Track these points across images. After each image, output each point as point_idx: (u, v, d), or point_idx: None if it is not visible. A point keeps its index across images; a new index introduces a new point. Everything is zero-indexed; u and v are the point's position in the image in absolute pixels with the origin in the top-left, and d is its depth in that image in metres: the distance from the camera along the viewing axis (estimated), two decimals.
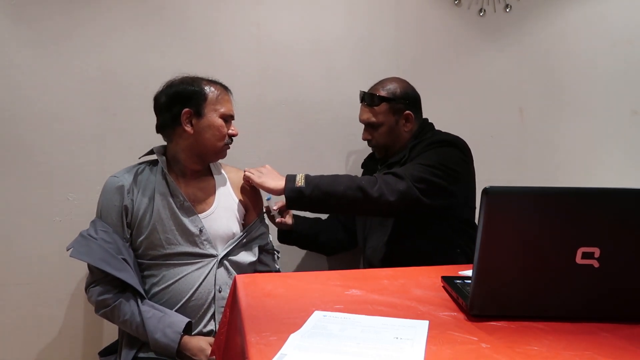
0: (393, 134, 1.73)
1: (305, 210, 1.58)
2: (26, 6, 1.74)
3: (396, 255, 1.65)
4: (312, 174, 1.56)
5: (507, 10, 2.13)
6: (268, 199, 1.65)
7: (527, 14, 2.15)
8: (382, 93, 1.72)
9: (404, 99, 1.72)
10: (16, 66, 1.74)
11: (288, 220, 1.72)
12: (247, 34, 1.93)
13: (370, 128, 1.75)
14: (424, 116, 1.83)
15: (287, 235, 1.77)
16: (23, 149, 1.76)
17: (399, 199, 1.48)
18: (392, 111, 1.72)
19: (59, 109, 1.78)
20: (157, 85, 1.52)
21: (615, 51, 2.21)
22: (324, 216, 1.90)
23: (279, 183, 1.51)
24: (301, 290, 1.10)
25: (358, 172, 1.95)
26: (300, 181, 1.48)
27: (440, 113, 2.06)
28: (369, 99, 1.73)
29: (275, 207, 1.67)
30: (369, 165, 1.90)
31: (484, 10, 2.11)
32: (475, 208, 1.76)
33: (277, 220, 1.70)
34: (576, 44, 2.19)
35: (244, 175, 1.57)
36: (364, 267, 1.86)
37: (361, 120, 1.77)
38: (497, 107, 2.16)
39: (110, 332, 1.82)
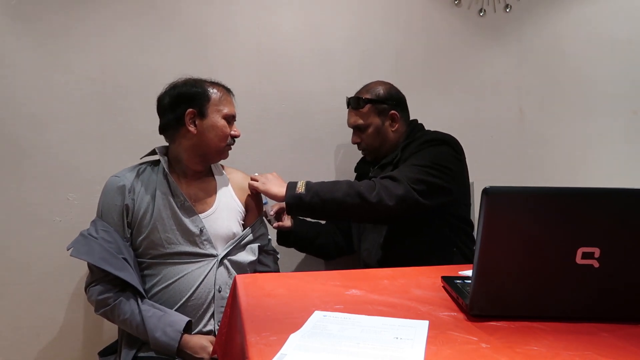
0: (381, 135, 1.74)
1: (305, 216, 1.60)
2: (26, 6, 1.74)
3: (392, 256, 1.64)
4: (312, 172, 1.57)
5: (507, 10, 2.13)
6: (265, 204, 1.65)
7: (527, 14, 2.15)
8: (366, 95, 1.74)
9: (388, 100, 1.73)
10: (16, 66, 1.74)
11: (287, 222, 1.73)
12: (248, 34, 1.93)
13: (358, 131, 1.77)
14: (425, 116, 1.83)
15: (285, 237, 1.77)
16: (23, 149, 1.76)
17: (398, 203, 1.48)
18: (377, 112, 1.73)
19: (59, 109, 1.78)
20: (157, 86, 1.52)
21: (615, 51, 2.21)
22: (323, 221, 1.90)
23: (282, 189, 1.52)
24: (301, 290, 1.10)
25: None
26: (300, 187, 1.50)
27: (440, 113, 2.07)
28: (354, 102, 1.75)
29: (272, 212, 1.67)
30: (361, 168, 1.90)
31: (484, 10, 2.12)
32: (470, 205, 1.76)
33: (274, 225, 1.70)
34: (576, 44, 2.19)
35: (249, 183, 1.58)
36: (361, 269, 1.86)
37: (349, 125, 1.79)
38: (497, 107, 2.16)
39: (110, 332, 1.82)
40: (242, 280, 1.16)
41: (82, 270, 1.69)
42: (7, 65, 1.73)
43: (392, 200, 1.47)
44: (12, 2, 1.73)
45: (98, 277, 1.42)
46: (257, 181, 1.57)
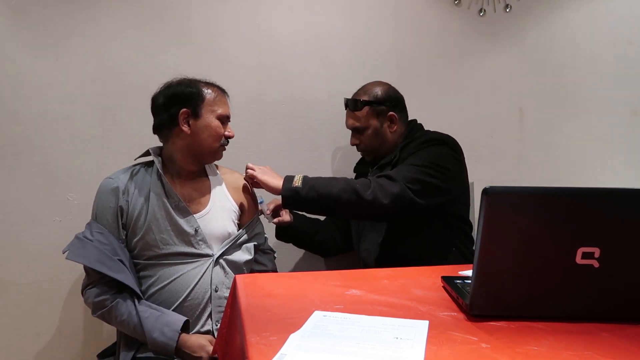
0: (379, 136, 1.74)
1: (300, 210, 1.60)
2: (26, 6, 1.74)
3: (391, 256, 1.64)
4: (311, 173, 1.57)
5: (507, 10, 2.13)
6: (261, 202, 1.65)
7: (527, 14, 2.15)
8: (364, 97, 1.74)
9: (386, 101, 1.73)
10: (16, 66, 1.74)
11: (285, 217, 1.72)
12: (247, 34, 1.93)
13: (356, 133, 1.77)
14: (425, 116, 1.83)
15: (285, 231, 1.77)
16: (23, 149, 1.76)
17: (393, 202, 1.48)
18: (376, 114, 1.73)
19: (59, 109, 1.78)
20: (157, 86, 1.52)
21: (615, 51, 2.21)
22: (322, 217, 1.90)
23: (278, 182, 1.52)
24: (301, 290, 1.10)
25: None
26: (297, 181, 1.50)
27: (440, 113, 2.07)
28: (352, 104, 1.75)
29: (268, 212, 1.67)
30: (360, 168, 1.90)
31: (484, 10, 2.12)
32: (469, 205, 1.76)
33: (274, 220, 1.70)
34: (576, 44, 2.19)
35: (247, 170, 1.57)
36: (360, 268, 1.85)
37: (347, 127, 1.79)
38: (497, 107, 2.16)
39: (109, 333, 1.82)
40: (242, 280, 1.15)
41: (81, 270, 1.69)
42: (7, 65, 1.73)
43: (387, 198, 1.47)
44: (12, 2, 1.73)
45: (94, 279, 1.42)
46: (253, 170, 1.56)
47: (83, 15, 1.79)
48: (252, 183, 1.61)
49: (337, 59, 2.01)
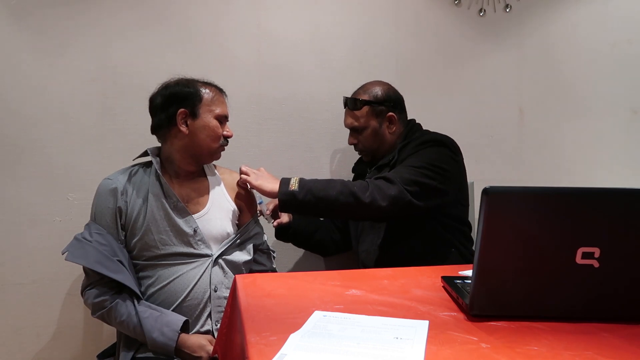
0: (378, 136, 1.73)
1: (298, 213, 1.59)
2: (26, 6, 1.74)
3: (390, 257, 1.64)
4: (310, 173, 1.57)
5: (507, 10, 2.13)
6: (260, 203, 1.65)
7: (527, 14, 2.15)
8: (364, 97, 1.73)
9: (386, 101, 1.72)
10: (16, 66, 1.74)
11: (284, 218, 1.72)
12: (248, 34, 1.93)
13: (355, 132, 1.76)
14: (425, 116, 1.83)
15: (284, 232, 1.77)
16: (23, 148, 1.76)
17: (391, 204, 1.47)
18: (375, 114, 1.72)
19: (59, 109, 1.78)
20: (157, 85, 1.52)
21: (615, 51, 2.21)
22: None
23: (274, 186, 1.50)
24: (301, 290, 1.10)
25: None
26: (294, 185, 1.48)
27: (440, 113, 2.07)
28: (351, 103, 1.74)
29: (267, 212, 1.67)
30: (359, 168, 1.90)
31: (484, 10, 2.12)
32: (467, 205, 1.76)
33: (274, 224, 1.70)
34: (576, 43, 2.20)
35: (240, 173, 1.56)
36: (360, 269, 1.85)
37: (346, 125, 1.78)
38: (497, 107, 2.16)
39: (109, 333, 1.82)
40: (242, 280, 1.16)
41: (81, 270, 1.69)
42: (7, 65, 1.73)
43: (385, 200, 1.47)
44: (12, 2, 1.73)
45: (94, 280, 1.42)
46: (247, 175, 1.55)
47: (83, 15, 1.79)
48: (247, 192, 1.60)
49: (337, 59, 2.01)
